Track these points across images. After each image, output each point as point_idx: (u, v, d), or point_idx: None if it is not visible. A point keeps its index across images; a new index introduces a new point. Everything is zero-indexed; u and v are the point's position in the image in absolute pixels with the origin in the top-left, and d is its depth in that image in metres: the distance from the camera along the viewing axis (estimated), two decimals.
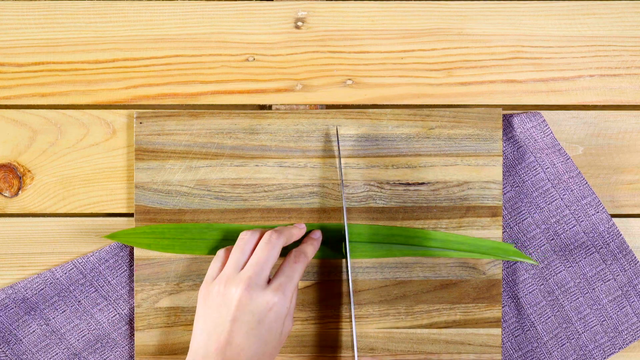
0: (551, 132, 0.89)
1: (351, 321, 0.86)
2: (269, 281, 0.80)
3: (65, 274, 0.89)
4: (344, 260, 0.88)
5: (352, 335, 0.86)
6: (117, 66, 0.90)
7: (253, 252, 0.81)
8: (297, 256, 0.82)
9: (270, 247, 0.81)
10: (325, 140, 0.88)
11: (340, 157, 0.87)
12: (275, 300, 0.78)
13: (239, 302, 0.78)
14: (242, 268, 0.80)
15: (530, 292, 0.89)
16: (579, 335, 0.89)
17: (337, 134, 0.87)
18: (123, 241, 0.87)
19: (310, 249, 0.84)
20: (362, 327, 0.88)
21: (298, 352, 0.88)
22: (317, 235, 0.86)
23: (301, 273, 0.81)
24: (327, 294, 0.88)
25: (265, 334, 0.78)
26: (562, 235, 0.89)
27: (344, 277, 0.88)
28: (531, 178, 0.89)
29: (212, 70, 0.90)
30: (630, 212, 0.91)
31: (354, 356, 0.84)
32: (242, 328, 0.77)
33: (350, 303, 0.87)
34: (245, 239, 0.82)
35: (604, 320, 0.89)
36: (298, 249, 0.83)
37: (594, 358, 0.89)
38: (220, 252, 0.83)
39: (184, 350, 0.88)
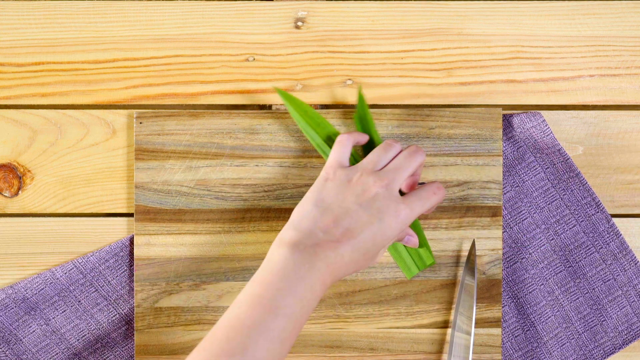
0: (551, 132, 0.89)
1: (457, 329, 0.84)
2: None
3: (65, 274, 0.89)
4: None
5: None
6: (117, 66, 0.90)
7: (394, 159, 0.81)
8: (438, 188, 0.81)
9: (412, 158, 0.81)
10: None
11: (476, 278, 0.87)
12: (403, 211, 0.78)
13: (375, 196, 0.78)
14: (381, 169, 0.80)
15: (530, 292, 0.89)
16: (579, 335, 0.89)
17: (474, 249, 0.87)
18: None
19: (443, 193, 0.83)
20: (362, 327, 0.88)
21: (298, 352, 0.88)
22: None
23: (431, 207, 0.81)
24: (327, 293, 0.88)
25: (378, 236, 0.77)
26: (562, 235, 0.89)
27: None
28: (531, 178, 0.89)
29: (212, 70, 0.90)
30: (630, 212, 0.91)
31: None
32: (362, 217, 0.77)
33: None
34: (391, 145, 0.82)
35: (604, 320, 0.89)
36: (440, 185, 0.82)
37: (594, 358, 0.89)
38: (344, 138, 0.83)
39: (184, 350, 0.88)
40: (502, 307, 0.89)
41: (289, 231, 0.77)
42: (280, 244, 0.76)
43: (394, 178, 0.79)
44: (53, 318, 0.89)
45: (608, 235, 0.89)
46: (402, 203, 0.78)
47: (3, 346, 0.88)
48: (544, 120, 0.89)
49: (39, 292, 0.89)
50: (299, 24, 0.90)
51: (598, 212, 0.89)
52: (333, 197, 0.78)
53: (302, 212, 0.78)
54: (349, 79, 0.90)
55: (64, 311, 0.89)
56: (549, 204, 0.89)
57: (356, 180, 0.79)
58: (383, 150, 0.81)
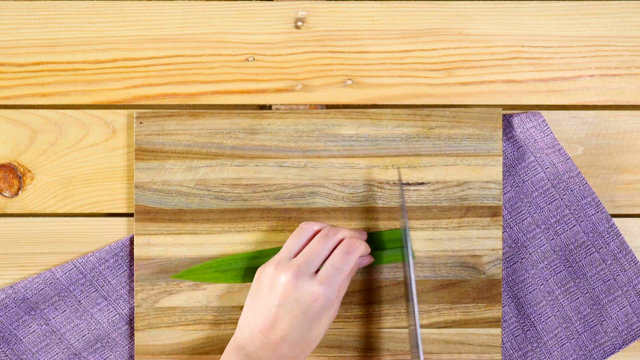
0: (551, 132, 0.89)
1: (410, 320, 0.84)
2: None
3: (65, 274, 0.89)
4: None
5: (411, 335, 0.84)
6: (117, 66, 0.90)
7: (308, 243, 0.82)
8: (350, 246, 0.81)
9: (325, 240, 0.81)
10: (325, 140, 0.88)
11: (404, 201, 0.87)
12: (321, 292, 0.78)
13: (285, 289, 0.78)
14: (295, 256, 0.81)
15: (530, 292, 0.89)
16: (579, 335, 0.89)
17: (400, 176, 0.87)
18: (192, 279, 0.87)
19: (364, 245, 0.83)
20: (362, 327, 0.88)
21: None
22: (364, 235, 0.86)
23: (352, 265, 0.80)
24: None
25: (309, 323, 0.79)
26: (562, 235, 0.89)
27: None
28: (531, 178, 0.89)
29: (212, 70, 0.90)
30: (630, 212, 0.91)
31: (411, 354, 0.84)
32: (286, 315, 0.78)
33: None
34: (304, 229, 0.83)
35: (604, 320, 0.89)
36: (351, 240, 0.82)
37: (594, 358, 0.89)
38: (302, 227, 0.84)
39: (184, 350, 0.88)
40: (502, 307, 0.89)
41: (236, 334, 0.80)
42: (229, 348, 0.80)
43: (305, 262, 0.79)
44: (53, 318, 0.89)
45: (608, 235, 0.89)
46: (318, 283, 0.78)
47: (3, 346, 0.88)
48: (544, 120, 0.89)
49: (39, 292, 0.88)
50: (299, 24, 0.90)
51: (598, 212, 0.89)
52: (259, 300, 0.80)
53: (244, 317, 0.81)
54: (349, 79, 0.90)
55: (64, 311, 0.89)
56: (549, 204, 0.89)
57: (271, 276, 0.80)
58: (296, 237, 0.82)
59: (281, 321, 0.78)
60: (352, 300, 0.88)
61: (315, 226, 0.83)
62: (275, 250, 0.86)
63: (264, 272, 0.81)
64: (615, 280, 0.89)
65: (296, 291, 0.78)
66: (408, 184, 0.88)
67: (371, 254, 0.86)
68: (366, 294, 0.88)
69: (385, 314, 0.88)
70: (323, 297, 0.78)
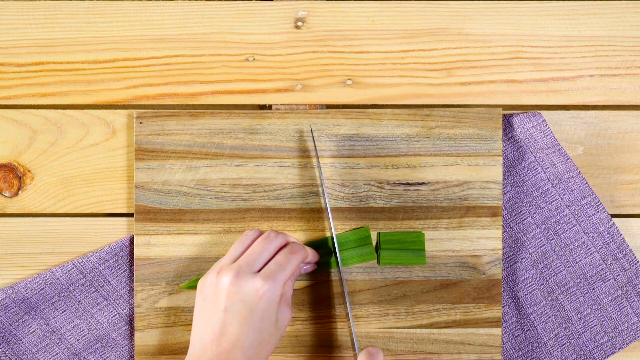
0: (551, 132, 0.89)
1: (348, 320, 0.86)
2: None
3: (65, 274, 0.89)
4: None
5: (351, 335, 0.86)
6: (117, 66, 0.90)
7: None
8: (293, 247, 0.81)
9: (267, 242, 0.80)
10: (325, 140, 0.88)
11: (318, 157, 0.87)
12: (265, 288, 0.77)
13: (229, 291, 0.77)
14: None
15: (530, 292, 0.89)
16: (579, 335, 0.89)
17: (312, 133, 0.87)
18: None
19: (310, 250, 0.84)
20: (362, 327, 0.88)
21: (297, 352, 0.88)
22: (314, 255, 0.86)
23: (295, 265, 0.80)
24: (325, 293, 0.88)
25: (259, 322, 0.77)
26: (562, 235, 0.89)
27: (338, 277, 0.88)
28: (531, 178, 0.89)
29: (212, 70, 0.90)
30: (630, 212, 0.91)
31: (355, 355, 0.84)
32: (234, 318, 0.77)
33: (346, 303, 0.87)
34: (247, 235, 0.82)
35: (604, 320, 0.89)
36: (294, 243, 0.82)
37: (594, 358, 0.89)
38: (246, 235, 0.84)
39: (184, 350, 0.88)
40: (502, 307, 0.89)
41: (188, 353, 0.79)
42: None
43: (246, 263, 0.79)
44: (53, 318, 0.89)
45: (608, 235, 0.89)
46: (260, 279, 0.77)
47: (3, 346, 0.88)
48: (544, 120, 0.89)
49: (39, 292, 0.89)
50: (299, 24, 0.90)
51: (598, 212, 0.89)
52: (205, 310, 0.79)
53: (193, 332, 0.79)
54: (349, 79, 0.90)
55: (64, 311, 0.89)
56: (549, 204, 0.89)
57: (214, 283, 0.79)
58: (239, 243, 0.82)
59: (230, 325, 0.77)
60: (352, 300, 0.88)
61: (257, 232, 0.82)
62: None
63: (207, 281, 0.79)
64: (615, 280, 0.89)
65: (240, 291, 0.77)
66: (408, 184, 0.88)
67: (340, 253, 0.86)
68: (366, 294, 0.88)
69: (385, 314, 0.88)
70: (268, 292, 0.77)
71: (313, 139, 0.87)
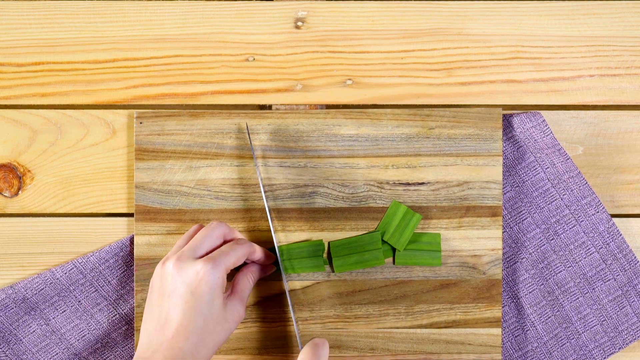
0: (551, 132, 0.89)
1: (293, 323, 0.86)
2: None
3: (65, 274, 0.89)
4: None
5: (296, 336, 0.86)
6: (117, 66, 0.90)
7: None
8: (239, 240, 0.82)
9: (208, 229, 0.81)
10: (325, 140, 0.88)
11: (255, 157, 0.87)
12: (205, 269, 0.77)
13: (172, 275, 0.77)
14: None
15: (530, 292, 0.89)
16: (579, 335, 0.89)
17: (248, 130, 0.87)
18: None
19: (260, 249, 0.84)
20: (362, 327, 0.88)
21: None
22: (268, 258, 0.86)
23: (240, 255, 0.80)
24: (327, 294, 0.88)
25: (203, 307, 0.77)
26: (562, 235, 0.89)
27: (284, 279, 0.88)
28: (531, 178, 0.89)
29: (212, 70, 0.90)
30: (630, 212, 0.91)
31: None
32: (177, 302, 0.77)
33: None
34: (192, 229, 0.83)
35: (604, 320, 0.89)
36: (243, 238, 0.83)
37: (594, 358, 0.89)
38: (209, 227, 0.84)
39: None
40: (502, 307, 0.89)
41: (137, 350, 0.78)
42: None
43: (188, 249, 0.79)
44: (53, 318, 0.89)
45: (608, 235, 0.89)
46: (201, 262, 0.78)
47: (3, 346, 0.88)
48: (544, 120, 0.89)
49: (39, 292, 0.89)
50: (299, 24, 0.90)
51: (598, 212, 0.89)
52: (151, 301, 0.79)
53: (142, 328, 0.79)
54: (349, 79, 0.90)
55: (64, 311, 0.89)
56: (548, 204, 0.89)
57: (159, 273, 0.79)
58: (185, 236, 0.82)
59: (173, 311, 0.77)
60: (352, 300, 0.88)
61: (200, 226, 0.83)
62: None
63: (154, 274, 0.80)
64: (615, 280, 0.89)
65: (181, 273, 0.77)
66: (408, 184, 0.88)
67: (291, 261, 0.87)
68: (366, 294, 0.88)
69: (385, 314, 0.88)
70: (207, 274, 0.77)
71: (249, 136, 0.87)
